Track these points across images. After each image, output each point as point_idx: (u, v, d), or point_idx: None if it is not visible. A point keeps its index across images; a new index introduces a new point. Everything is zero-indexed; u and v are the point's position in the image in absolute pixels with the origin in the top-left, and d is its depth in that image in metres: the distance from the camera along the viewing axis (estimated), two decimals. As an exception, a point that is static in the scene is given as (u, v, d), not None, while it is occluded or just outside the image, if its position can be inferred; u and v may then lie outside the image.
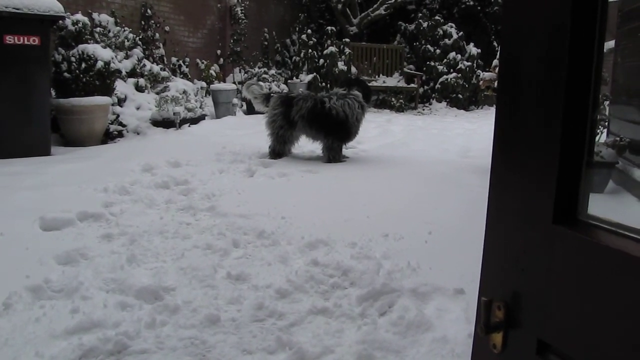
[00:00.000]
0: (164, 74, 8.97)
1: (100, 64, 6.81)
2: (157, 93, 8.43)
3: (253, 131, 7.38)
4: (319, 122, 5.68)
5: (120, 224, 3.60)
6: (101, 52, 6.90)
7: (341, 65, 12.34)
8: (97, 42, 7.43)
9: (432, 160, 5.99)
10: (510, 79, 0.96)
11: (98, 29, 7.83)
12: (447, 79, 13.16)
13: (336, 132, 5.73)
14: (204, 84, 10.25)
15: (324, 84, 12.27)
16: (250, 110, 9.40)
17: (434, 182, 4.92)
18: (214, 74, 10.40)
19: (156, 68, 8.84)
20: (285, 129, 5.75)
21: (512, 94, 0.95)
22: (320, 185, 4.76)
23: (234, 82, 11.13)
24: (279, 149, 5.83)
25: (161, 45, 9.74)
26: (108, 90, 7.01)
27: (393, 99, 12.81)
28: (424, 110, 13.12)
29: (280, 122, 5.73)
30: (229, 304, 2.55)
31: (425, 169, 5.47)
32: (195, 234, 3.46)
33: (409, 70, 13.57)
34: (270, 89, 10.44)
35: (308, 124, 5.69)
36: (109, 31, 8.13)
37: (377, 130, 8.70)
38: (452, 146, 7.26)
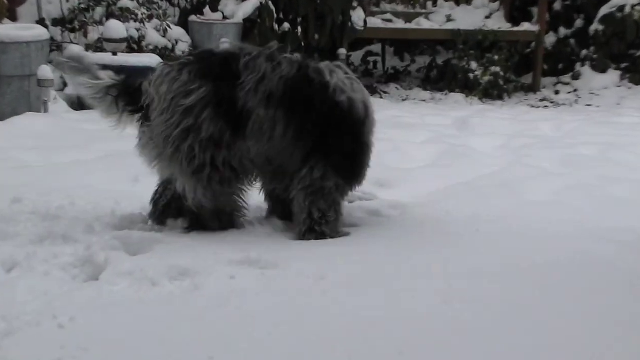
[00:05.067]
0: None
1: None
2: None
3: (96, 154, 5.87)
4: (305, 119, 4.20)
5: None
6: None
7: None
8: None
9: (588, 236, 4.23)
10: None
11: None
12: (623, 10, 9.52)
13: (338, 149, 4.18)
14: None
15: (291, 27, 9.08)
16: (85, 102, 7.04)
17: (600, 310, 3.23)
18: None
19: None
20: (224, 142, 4.00)
21: None
22: (285, 308, 3.19)
23: (43, 22, 7.94)
24: (213, 204, 4.06)
25: None
26: None
27: (474, 65, 9.85)
28: (557, 93, 10.07)
29: (210, 124, 3.96)
30: None
31: (569, 266, 3.71)
32: None
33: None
34: (138, 40, 7.74)
35: (285, 120, 4.12)
36: None
37: (433, 148, 6.66)
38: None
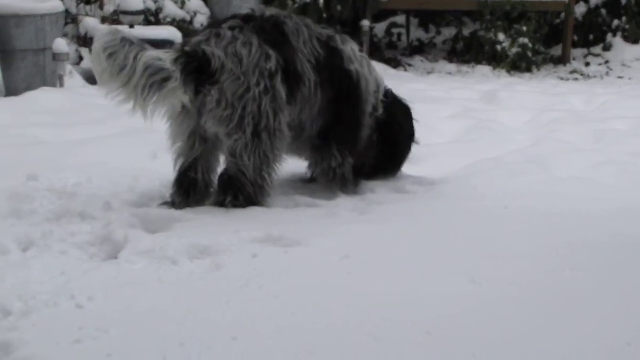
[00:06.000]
0: None
1: None
2: None
3: (113, 130, 5.79)
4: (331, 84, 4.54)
5: None
6: None
7: None
8: None
9: (621, 214, 4.18)
10: None
11: None
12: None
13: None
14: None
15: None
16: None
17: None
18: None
19: None
20: (283, 106, 4.23)
21: None
22: (309, 288, 3.12)
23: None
24: (269, 169, 4.20)
25: None
26: None
27: (501, 37, 9.76)
28: (587, 65, 10.05)
29: (281, 88, 4.15)
30: None
31: (602, 246, 3.61)
32: None
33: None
34: (155, 12, 7.73)
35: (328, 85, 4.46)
36: None
37: (459, 123, 6.68)
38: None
